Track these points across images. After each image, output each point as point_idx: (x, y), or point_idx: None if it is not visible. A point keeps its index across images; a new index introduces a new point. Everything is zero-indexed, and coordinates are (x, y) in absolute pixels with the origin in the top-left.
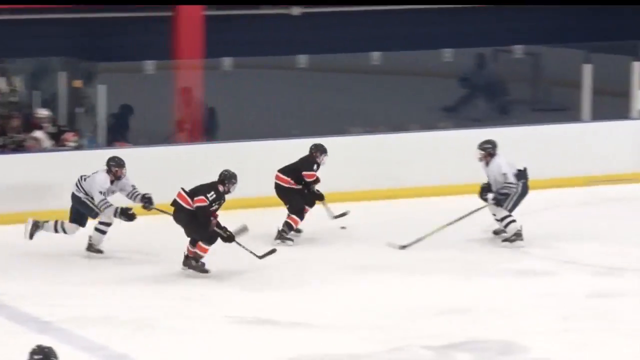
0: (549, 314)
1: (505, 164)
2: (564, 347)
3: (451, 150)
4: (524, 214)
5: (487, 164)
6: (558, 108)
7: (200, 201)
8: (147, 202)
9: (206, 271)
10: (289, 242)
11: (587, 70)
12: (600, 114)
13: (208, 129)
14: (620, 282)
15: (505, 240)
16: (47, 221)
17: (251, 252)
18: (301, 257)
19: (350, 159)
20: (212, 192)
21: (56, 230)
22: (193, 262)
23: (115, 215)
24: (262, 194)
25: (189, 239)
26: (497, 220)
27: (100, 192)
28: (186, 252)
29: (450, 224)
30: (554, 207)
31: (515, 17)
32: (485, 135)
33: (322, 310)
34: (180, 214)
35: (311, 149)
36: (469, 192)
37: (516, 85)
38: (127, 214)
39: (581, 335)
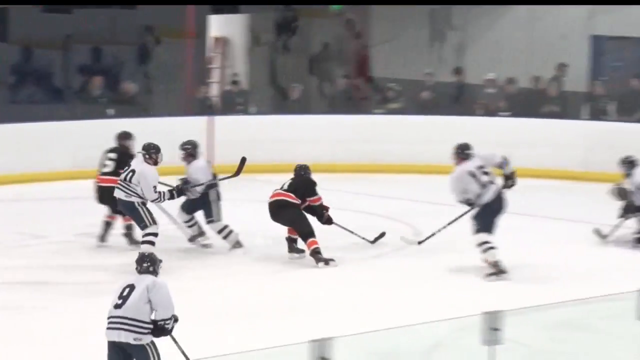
0: None
1: (201, 168)
2: None
3: None
4: None
5: (188, 163)
6: None
7: None
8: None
9: (333, 260)
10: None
11: None
12: None
13: None
14: None
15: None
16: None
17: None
18: None
19: None
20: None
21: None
22: (319, 256)
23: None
24: None
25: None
26: (218, 233)
27: (154, 187)
28: (287, 236)
29: None
30: None
31: None
32: None
33: None
34: (284, 210)
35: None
36: None
37: None
38: (181, 191)
39: None
